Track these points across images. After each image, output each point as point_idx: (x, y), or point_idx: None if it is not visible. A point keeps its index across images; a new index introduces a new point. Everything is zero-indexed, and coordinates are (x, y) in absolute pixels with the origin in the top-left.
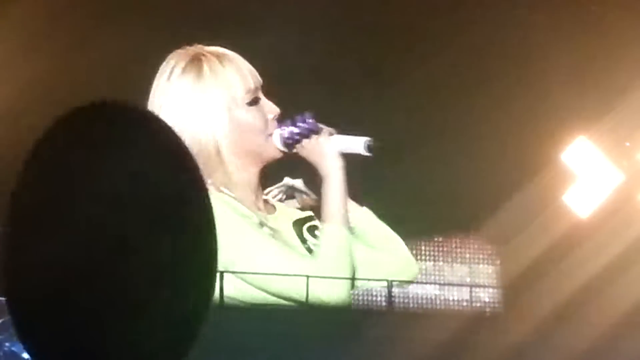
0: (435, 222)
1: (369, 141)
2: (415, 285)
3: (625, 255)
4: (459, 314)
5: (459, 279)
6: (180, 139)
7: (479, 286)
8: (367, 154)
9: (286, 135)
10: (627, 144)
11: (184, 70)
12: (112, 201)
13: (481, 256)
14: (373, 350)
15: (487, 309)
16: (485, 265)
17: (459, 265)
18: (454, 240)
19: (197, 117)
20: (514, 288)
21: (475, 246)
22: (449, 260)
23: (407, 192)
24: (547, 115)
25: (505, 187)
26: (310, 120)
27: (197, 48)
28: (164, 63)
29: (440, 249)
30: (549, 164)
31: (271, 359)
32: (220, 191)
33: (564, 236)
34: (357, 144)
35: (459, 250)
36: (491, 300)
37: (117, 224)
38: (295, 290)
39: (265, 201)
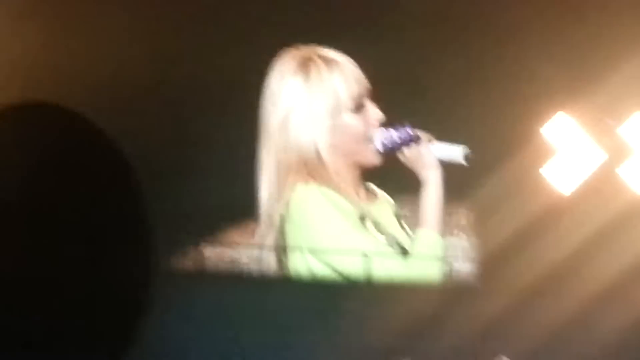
0: (413, 194)
1: (466, 150)
2: (378, 260)
3: (604, 233)
4: (438, 287)
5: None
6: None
7: (456, 259)
8: (464, 163)
9: (387, 142)
10: (609, 121)
11: (294, 72)
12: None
13: (458, 230)
14: (353, 323)
15: (465, 283)
16: (463, 239)
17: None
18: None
19: (301, 120)
20: (492, 262)
21: (453, 219)
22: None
23: (386, 165)
24: (527, 88)
25: (484, 161)
26: (410, 130)
27: (309, 49)
28: (279, 62)
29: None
30: (529, 138)
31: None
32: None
33: (542, 212)
34: (456, 153)
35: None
36: (469, 274)
37: (46, 207)
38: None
39: (366, 190)
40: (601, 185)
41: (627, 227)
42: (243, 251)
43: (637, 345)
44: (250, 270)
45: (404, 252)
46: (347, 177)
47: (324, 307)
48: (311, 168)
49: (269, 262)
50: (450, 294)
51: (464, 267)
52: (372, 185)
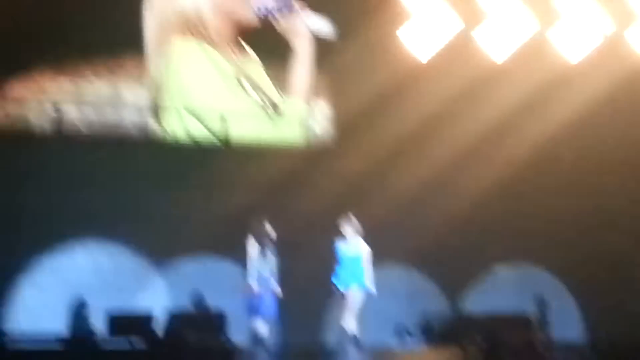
0: (282, 60)
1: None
2: (249, 121)
3: (460, 96)
4: (300, 149)
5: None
6: None
7: (316, 123)
8: (332, 36)
9: (263, 8)
10: None
11: None
12: None
13: (319, 95)
14: (212, 179)
15: (321, 145)
16: (323, 104)
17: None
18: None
19: None
20: (350, 126)
21: (316, 85)
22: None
23: None
24: None
25: (340, 25)
26: None
27: None
28: None
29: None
30: (385, 2)
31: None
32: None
33: (400, 75)
34: (325, 26)
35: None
36: (328, 137)
37: None
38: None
39: (242, 48)
40: (457, 50)
41: (483, 91)
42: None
43: (495, 202)
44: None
45: (276, 110)
46: (226, 35)
47: (192, 166)
48: (192, 25)
49: (148, 122)
50: (310, 156)
51: (324, 130)
52: (246, 45)
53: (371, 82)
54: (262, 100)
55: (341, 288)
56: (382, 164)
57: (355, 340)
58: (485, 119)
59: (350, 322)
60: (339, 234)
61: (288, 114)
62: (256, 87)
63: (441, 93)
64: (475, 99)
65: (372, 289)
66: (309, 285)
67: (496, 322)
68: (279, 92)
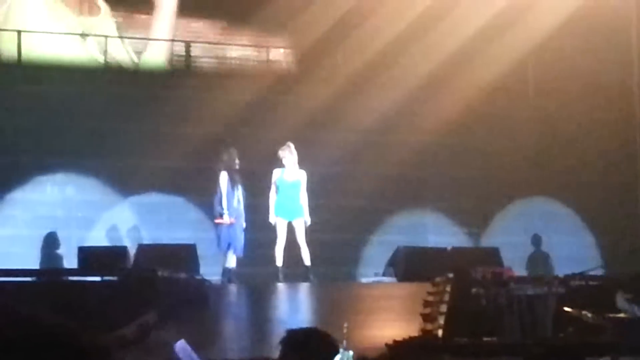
0: None
1: None
2: (216, 47)
3: (423, 21)
4: (257, 74)
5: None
6: None
7: (274, 47)
8: None
9: None
10: None
11: None
12: None
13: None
14: (176, 110)
15: (283, 70)
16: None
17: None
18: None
19: None
20: (312, 51)
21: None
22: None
23: None
24: None
25: None
26: None
27: None
28: None
29: None
30: None
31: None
32: None
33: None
34: None
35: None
36: (286, 61)
37: None
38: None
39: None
40: None
41: (446, 16)
42: None
43: (459, 130)
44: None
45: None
46: None
47: (145, 95)
48: None
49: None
50: (270, 81)
51: (283, 54)
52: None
53: (331, 6)
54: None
55: (283, 218)
56: (345, 90)
57: (309, 271)
58: (450, 46)
59: (304, 254)
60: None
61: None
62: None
63: (401, 16)
64: (439, 23)
65: (308, 219)
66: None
67: (464, 255)
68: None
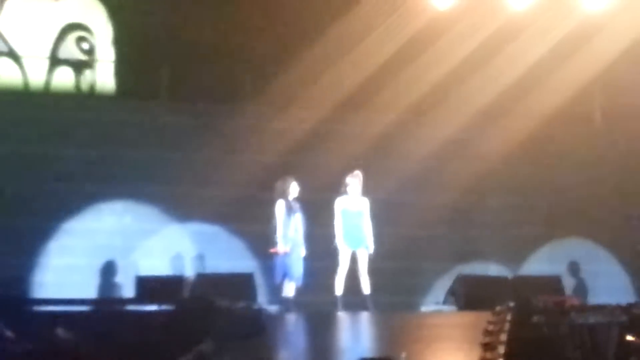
0: None
1: None
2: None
3: (484, 49)
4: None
5: None
6: None
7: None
8: None
9: None
10: None
11: None
12: None
13: None
14: (235, 138)
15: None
16: None
17: None
18: None
19: None
20: (370, 77)
21: None
22: None
23: None
24: None
25: None
26: None
27: None
28: None
29: None
30: None
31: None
32: None
33: (420, 28)
34: None
35: None
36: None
37: None
38: None
39: None
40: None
41: (506, 43)
42: None
43: (518, 158)
44: None
45: None
46: None
47: (204, 123)
48: None
49: None
50: (329, 110)
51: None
52: None
53: (393, 37)
54: None
55: (348, 247)
56: (407, 119)
57: (368, 300)
58: (511, 73)
59: (364, 283)
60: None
61: None
62: None
63: (462, 43)
64: (499, 50)
65: (372, 248)
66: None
67: (525, 284)
68: None
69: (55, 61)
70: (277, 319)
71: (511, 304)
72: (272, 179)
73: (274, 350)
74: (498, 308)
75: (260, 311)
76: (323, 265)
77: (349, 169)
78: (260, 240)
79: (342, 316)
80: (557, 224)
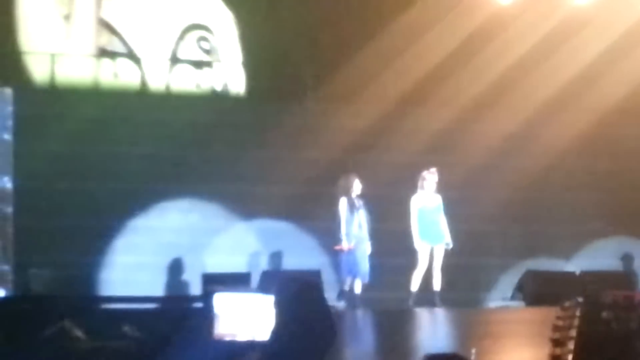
0: None
1: None
2: None
3: (545, 43)
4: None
5: None
6: None
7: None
8: None
9: None
10: None
11: None
12: None
13: None
14: (297, 136)
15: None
16: None
17: None
18: None
19: None
20: (436, 76)
21: None
22: None
23: None
24: None
25: None
26: None
27: None
28: None
29: None
30: None
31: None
32: None
33: (483, 22)
34: None
35: None
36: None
37: None
38: None
39: None
40: None
41: (568, 36)
42: None
43: (581, 151)
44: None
45: None
46: None
47: (265, 121)
48: None
49: None
50: (390, 106)
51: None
52: None
53: (455, 31)
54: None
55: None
56: (470, 113)
57: (437, 297)
58: (567, 65)
59: (436, 279)
60: (417, 187)
61: None
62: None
63: (524, 38)
64: (561, 44)
65: (450, 242)
66: (397, 241)
67: (594, 279)
68: None
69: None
70: (344, 315)
71: (580, 299)
72: (337, 175)
73: (342, 347)
74: (567, 303)
75: (326, 306)
76: (389, 262)
77: (412, 165)
78: (327, 237)
79: (409, 313)
80: (625, 219)
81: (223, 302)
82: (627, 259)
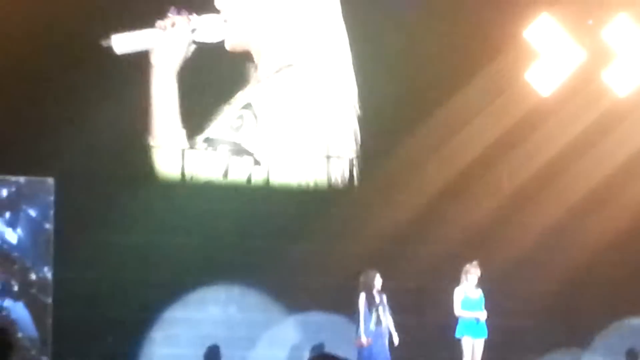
0: None
1: None
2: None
3: (585, 134)
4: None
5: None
6: None
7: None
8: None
9: None
10: (590, 21)
11: None
12: None
13: None
14: (339, 227)
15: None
16: None
17: None
18: None
19: None
20: (478, 168)
21: None
22: None
23: None
24: None
25: (467, 65)
26: None
27: None
28: None
29: None
30: (512, 41)
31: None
32: None
33: (524, 114)
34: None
35: None
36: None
37: None
38: None
39: None
40: (582, 86)
41: (608, 129)
42: None
43: (624, 245)
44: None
45: None
46: None
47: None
48: None
49: None
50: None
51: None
52: None
53: (498, 122)
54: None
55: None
56: (511, 205)
57: None
58: (611, 157)
59: None
60: (459, 280)
61: None
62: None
63: (565, 130)
64: (601, 136)
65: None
66: (427, 335)
67: None
68: None
69: None
70: None
71: None
72: (379, 267)
73: None
74: None
75: None
76: (430, 355)
77: (453, 257)
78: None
79: None
80: None
81: None
82: None
